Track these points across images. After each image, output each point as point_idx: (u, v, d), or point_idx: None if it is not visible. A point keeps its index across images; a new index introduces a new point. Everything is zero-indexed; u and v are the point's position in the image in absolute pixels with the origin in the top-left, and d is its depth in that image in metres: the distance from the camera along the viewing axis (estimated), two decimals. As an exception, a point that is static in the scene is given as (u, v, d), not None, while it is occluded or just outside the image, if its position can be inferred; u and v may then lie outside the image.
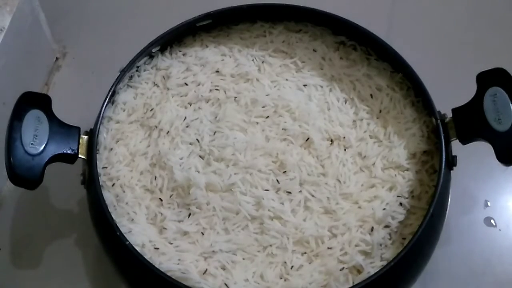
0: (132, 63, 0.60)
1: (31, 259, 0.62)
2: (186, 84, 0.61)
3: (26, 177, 0.51)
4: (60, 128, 0.54)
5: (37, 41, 0.72)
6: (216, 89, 0.61)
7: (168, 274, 0.50)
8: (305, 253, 0.53)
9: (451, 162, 0.55)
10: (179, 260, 0.52)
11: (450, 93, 0.59)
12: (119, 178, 0.56)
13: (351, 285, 0.50)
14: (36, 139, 0.52)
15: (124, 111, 0.60)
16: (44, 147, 0.52)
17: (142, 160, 0.57)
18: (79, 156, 0.54)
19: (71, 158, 0.54)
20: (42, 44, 0.73)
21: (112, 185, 0.56)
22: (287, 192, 0.55)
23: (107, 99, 0.58)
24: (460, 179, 0.58)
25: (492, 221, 0.63)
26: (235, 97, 0.60)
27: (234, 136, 0.57)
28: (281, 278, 0.52)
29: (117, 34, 0.78)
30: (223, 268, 0.52)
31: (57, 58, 0.76)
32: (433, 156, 0.56)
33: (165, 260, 0.52)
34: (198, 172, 0.56)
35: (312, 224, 0.53)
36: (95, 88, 0.61)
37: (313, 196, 0.55)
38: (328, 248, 0.52)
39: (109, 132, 0.59)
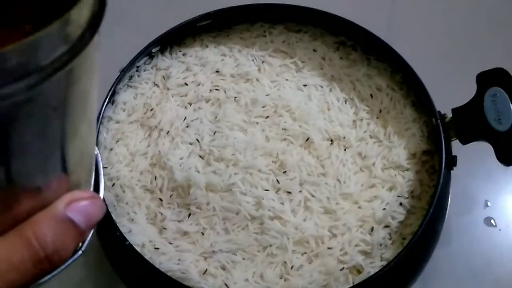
0: (132, 63, 0.60)
1: (31, 259, 0.62)
2: (186, 84, 0.61)
3: (26, 177, 0.51)
4: (60, 128, 0.54)
5: (37, 41, 0.72)
6: (216, 89, 0.61)
7: (168, 274, 0.50)
8: (305, 253, 0.53)
9: (451, 162, 0.55)
10: (179, 260, 0.52)
11: (450, 93, 0.59)
12: (119, 178, 0.56)
13: (351, 285, 0.50)
14: (36, 139, 0.52)
15: (124, 111, 0.60)
16: (44, 147, 0.52)
17: (142, 160, 0.57)
18: (79, 156, 0.54)
19: (71, 158, 0.54)
20: (42, 44, 0.73)
21: (112, 185, 0.56)
22: (287, 192, 0.55)
23: (107, 99, 0.58)
24: (460, 179, 0.58)
25: (492, 221, 0.63)
26: (235, 97, 0.60)
27: (234, 136, 0.57)
28: (281, 278, 0.52)
29: (117, 34, 0.78)
30: (223, 268, 0.52)
31: (57, 58, 0.76)
32: (433, 156, 0.56)
33: (165, 260, 0.52)
34: (198, 172, 0.56)
35: (312, 224, 0.53)
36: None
37: (313, 196, 0.55)
38: (328, 248, 0.52)
39: (109, 132, 0.59)
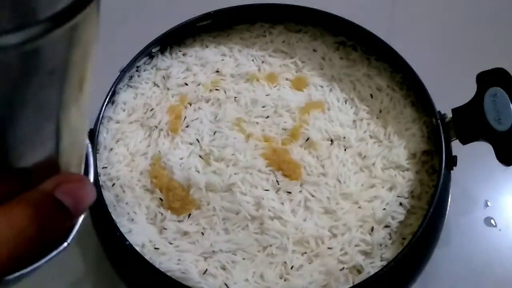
0: (132, 63, 0.60)
1: (31, 259, 0.62)
2: (186, 84, 0.62)
3: (26, 177, 0.51)
4: (60, 128, 0.54)
5: (37, 41, 0.72)
6: (216, 89, 0.61)
7: (168, 274, 0.50)
8: (305, 253, 0.53)
9: (451, 162, 0.55)
10: (179, 260, 0.52)
11: (450, 93, 0.59)
12: (119, 178, 0.56)
13: (351, 285, 0.50)
14: (36, 139, 0.52)
15: (124, 111, 0.60)
16: (44, 147, 0.52)
17: (142, 160, 0.57)
18: (79, 156, 0.54)
19: (71, 158, 0.54)
20: (42, 44, 0.73)
21: (112, 185, 0.56)
22: (287, 192, 0.55)
23: (107, 99, 0.58)
24: (460, 179, 0.58)
25: (492, 221, 0.63)
26: (235, 97, 0.60)
27: (234, 136, 0.57)
28: (281, 278, 0.52)
29: (117, 34, 0.78)
30: (223, 268, 0.52)
31: (57, 58, 0.76)
32: (433, 156, 0.56)
33: (165, 260, 0.52)
34: (198, 172, 0.56)
35: (312, 224, 0.53)
36: (95, 88, 0.61)
37: (313, 196, 0.55)
38: (328, 248, 0.52)
39: (109, 132, 0.59)
